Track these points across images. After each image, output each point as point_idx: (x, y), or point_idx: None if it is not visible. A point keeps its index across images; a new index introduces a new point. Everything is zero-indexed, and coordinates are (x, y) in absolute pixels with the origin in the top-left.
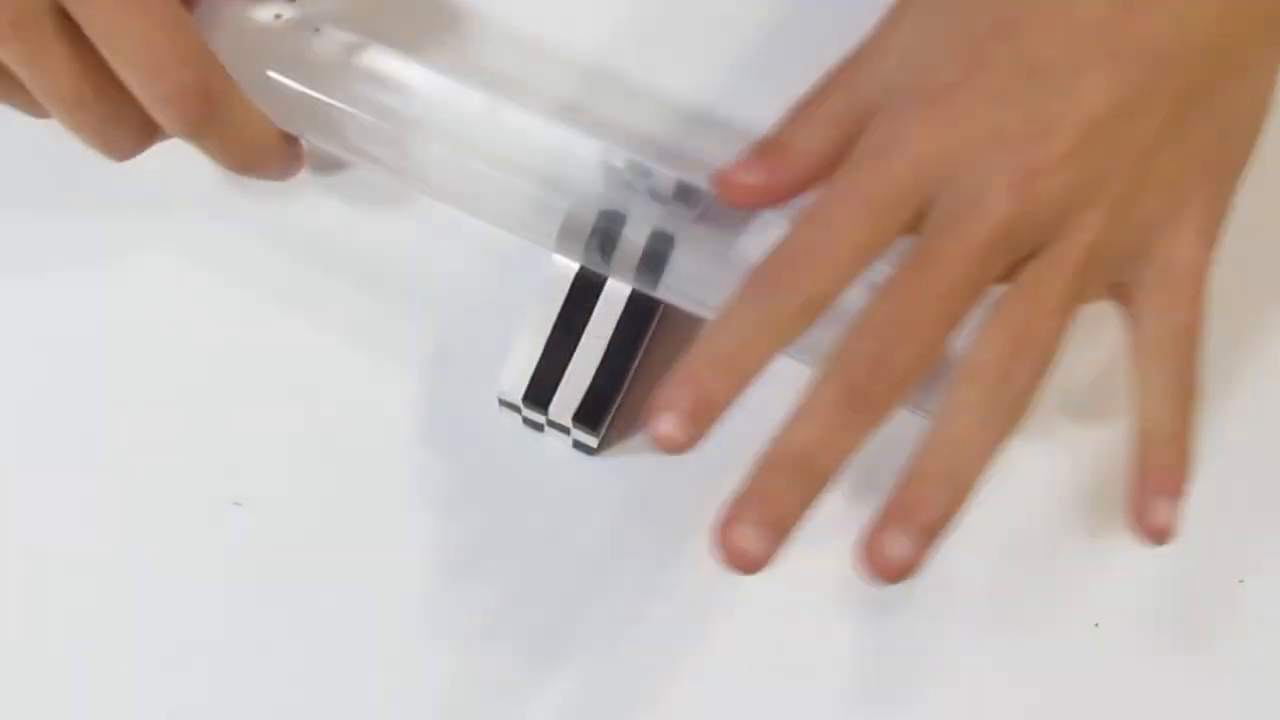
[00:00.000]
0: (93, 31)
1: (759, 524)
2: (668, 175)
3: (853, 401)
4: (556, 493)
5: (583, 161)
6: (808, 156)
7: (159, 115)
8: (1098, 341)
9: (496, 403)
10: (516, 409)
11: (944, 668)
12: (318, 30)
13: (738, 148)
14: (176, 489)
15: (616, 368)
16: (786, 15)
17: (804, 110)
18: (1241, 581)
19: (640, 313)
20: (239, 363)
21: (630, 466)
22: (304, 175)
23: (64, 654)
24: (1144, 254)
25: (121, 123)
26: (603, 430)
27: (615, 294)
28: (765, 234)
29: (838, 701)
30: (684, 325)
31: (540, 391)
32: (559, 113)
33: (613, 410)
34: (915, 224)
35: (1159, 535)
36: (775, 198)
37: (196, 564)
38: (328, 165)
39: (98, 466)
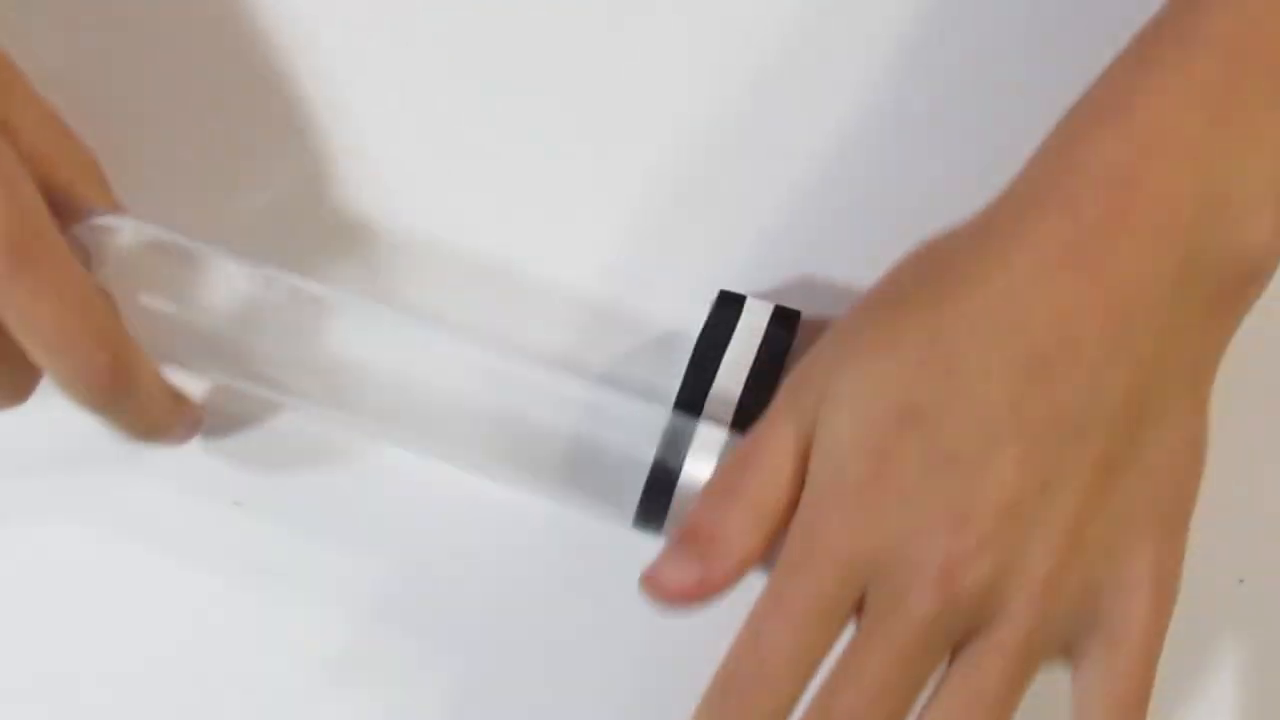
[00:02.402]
0: (7, 312)
1: None
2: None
3: None
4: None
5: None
6: (742, 546)
7: (67, 391)
8: None
9: None
10: None
11: (943, 667)
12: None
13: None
14: (176, 489)
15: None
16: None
17: (725, 493)
18: (1241, 581)
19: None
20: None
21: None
22: None
23: (64, 654)
24: (1090, 621)
25: (11, 382)
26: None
27: None
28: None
29: None
30: None
31: None
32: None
33: None
34: (857, 614)
35: None
36: (711, 594)
37: (196, 564)
38: None
39: (98, 466)
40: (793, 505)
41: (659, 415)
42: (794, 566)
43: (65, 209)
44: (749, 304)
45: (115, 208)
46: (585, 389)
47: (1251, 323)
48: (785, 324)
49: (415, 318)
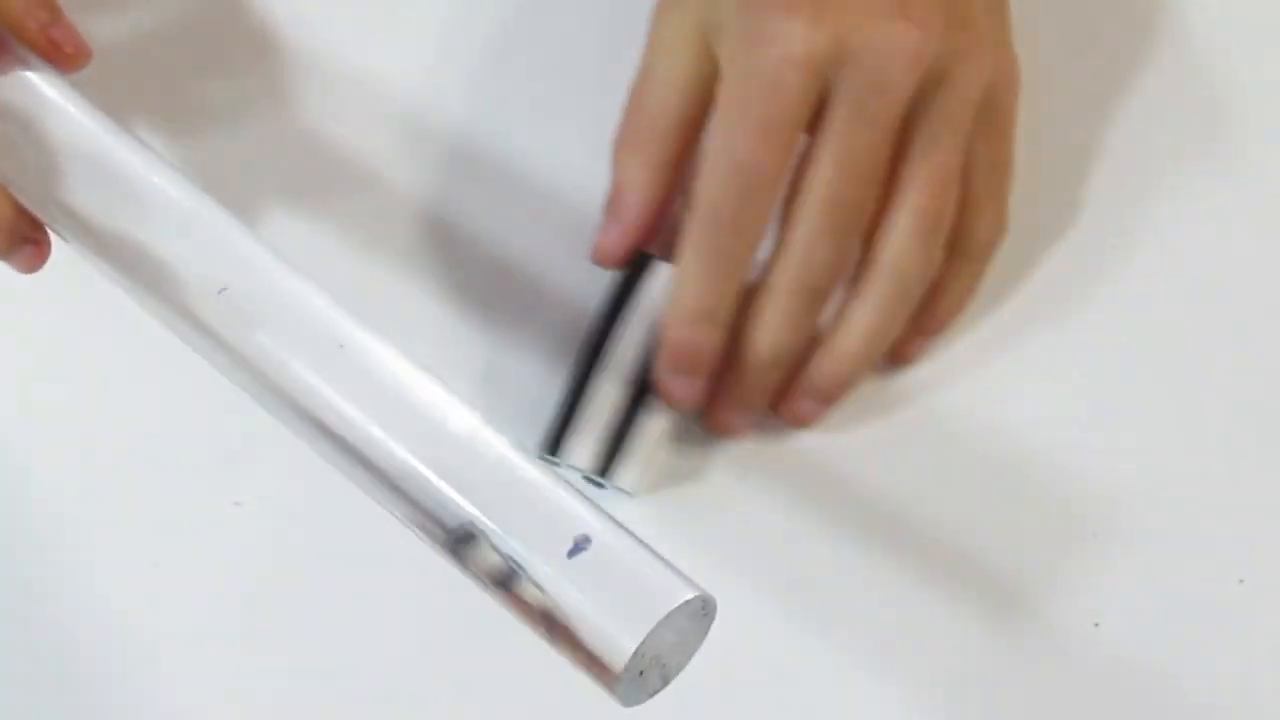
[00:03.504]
0: None
1: (737, 411)
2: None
3: (813, 300)
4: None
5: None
6: (643, 189)
7: None
8: (1101, 354)
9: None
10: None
11: (944, 667)
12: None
13: None
14: (176, 488)
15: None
16: None
17: (625, 134)
18: (1241, 581)
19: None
20: None
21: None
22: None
23: (64, 653)
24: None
25: None
26: (616, 471)
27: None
28: None
29: (839, 701)
30: None
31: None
32: None
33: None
34: (817, 114)
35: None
36: (642, 236)
37: (196, 563)
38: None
39: (97, 466)
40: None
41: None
42: (750, 78)
43: None
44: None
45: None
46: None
47: (1251, 323)
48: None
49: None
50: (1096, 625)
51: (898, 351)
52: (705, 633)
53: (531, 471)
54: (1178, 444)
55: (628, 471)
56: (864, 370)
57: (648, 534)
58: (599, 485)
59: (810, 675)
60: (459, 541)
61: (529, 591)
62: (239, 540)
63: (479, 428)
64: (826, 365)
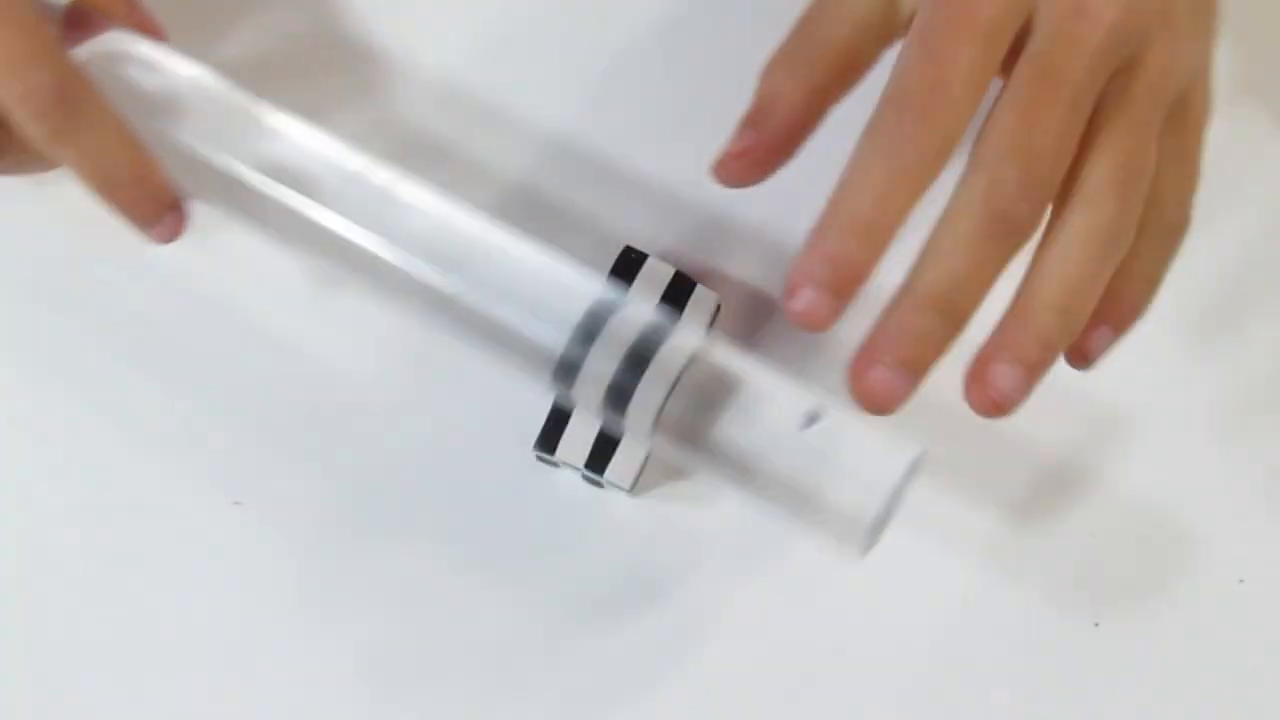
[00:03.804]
0: None
1: (898, 364)
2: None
3: (999, 230)
4: (558, 516)
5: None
6: (788, 97)
7: (17, 118)
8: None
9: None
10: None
11: (944, 667)
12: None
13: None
14: (176, 488)
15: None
16: None
17: (783, 63)
18: (1241, 581)
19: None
20: (243, 366)
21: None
22: None
23: (63, 653)
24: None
25: None
26: (609, 466)
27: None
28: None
29: (838, 699)
30: None
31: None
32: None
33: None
34: (1020, 40)
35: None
36: (771, 153)
37: (196, 563)
38: None
39: (97, 466)
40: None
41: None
42: None
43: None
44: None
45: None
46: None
47: (1251, 325)
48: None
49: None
50: (1096, 625)
51: (1080, 347)
52: (913, 484)
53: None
54: (1178, 443)
55: (624, 468)
56: (1067, 330)
57: (646, 532)
58: (596, 483)
59: (809, 674)
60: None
61: (777, 465)
62: (239, 540)
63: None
64: (1022, 319)
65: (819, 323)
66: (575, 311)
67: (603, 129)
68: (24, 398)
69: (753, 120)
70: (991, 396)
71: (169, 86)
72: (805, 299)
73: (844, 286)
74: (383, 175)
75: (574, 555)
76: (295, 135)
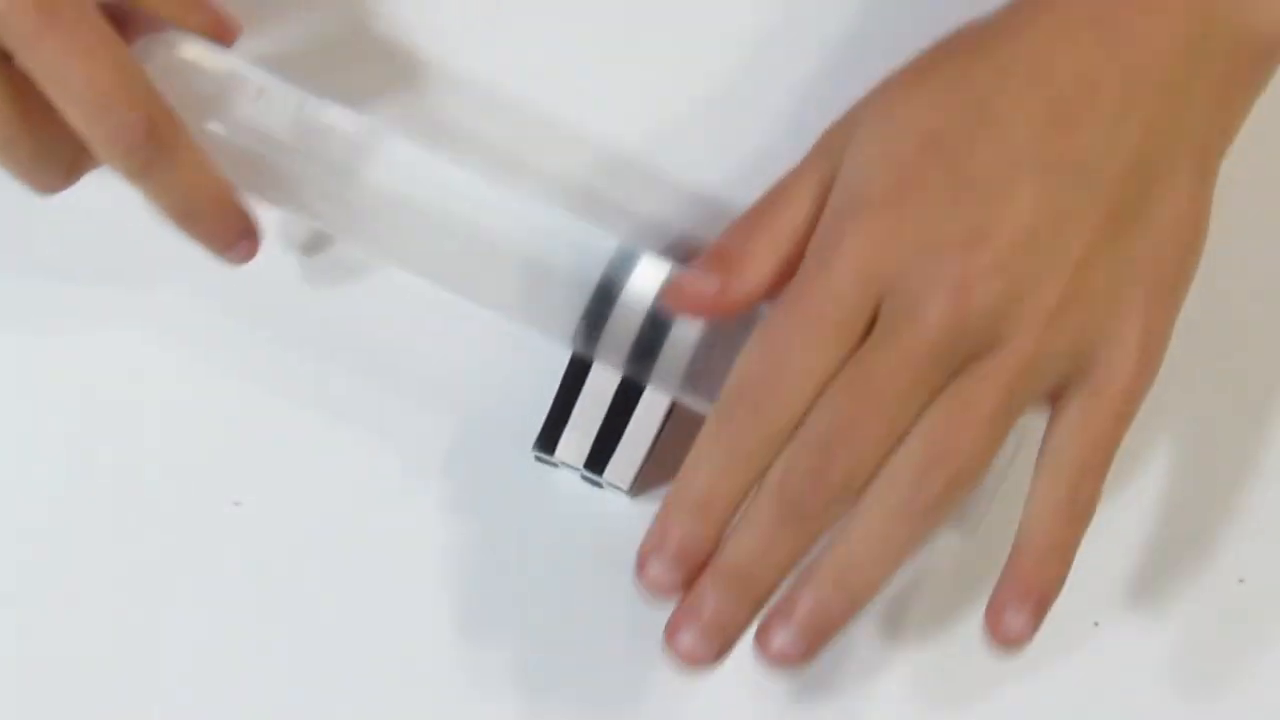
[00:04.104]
0: (40, 72)
1: (703, 633)
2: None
3: (792, 517)
4: (557, 517)
5: (572, 243)
6: (760, 268)
7: (103, 154)
8: None
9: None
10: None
11: (945, 667)
12: (261, 90)
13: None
14: (176, 488)
15: (620, 408)
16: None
17: (749, 224)
18: (1241, 581)
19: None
20: (243, 369)
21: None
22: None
23: (63, 653)
24: (1079, 367)
25: (52, 158)
26: (607, 466)
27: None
28: None
29: (840, 700)
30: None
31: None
32: (539, 186)
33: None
34: (869, 332)
35: (1011, 643)
36: (729, 309)
37: (195, 563)
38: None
39: (97, 466)
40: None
41: (609, 241)
42: (812, 278)
43: (144, 22)
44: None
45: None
46: (547, 213)
47: (1251, 324)
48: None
49: (413, 141)
50: (1096, 625)
51: (996, 624)
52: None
53: None
54: (1177, 443)
55: (624, 469)
56: (848, 604)
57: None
58: (595, 483)
59: (809, 674)
60: None
61: None
62: (239, 540)
63: None
64: (803, 590)
65: (664, 590)
66: (596, 266)
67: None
68: (22, 397)
69: (726, 274)
70: (771, 654)
71: (221, 86)
72: (652, 569)
73: (686, 560)
74: (409, 146)
75: (574, 555)
76: (338, 117)
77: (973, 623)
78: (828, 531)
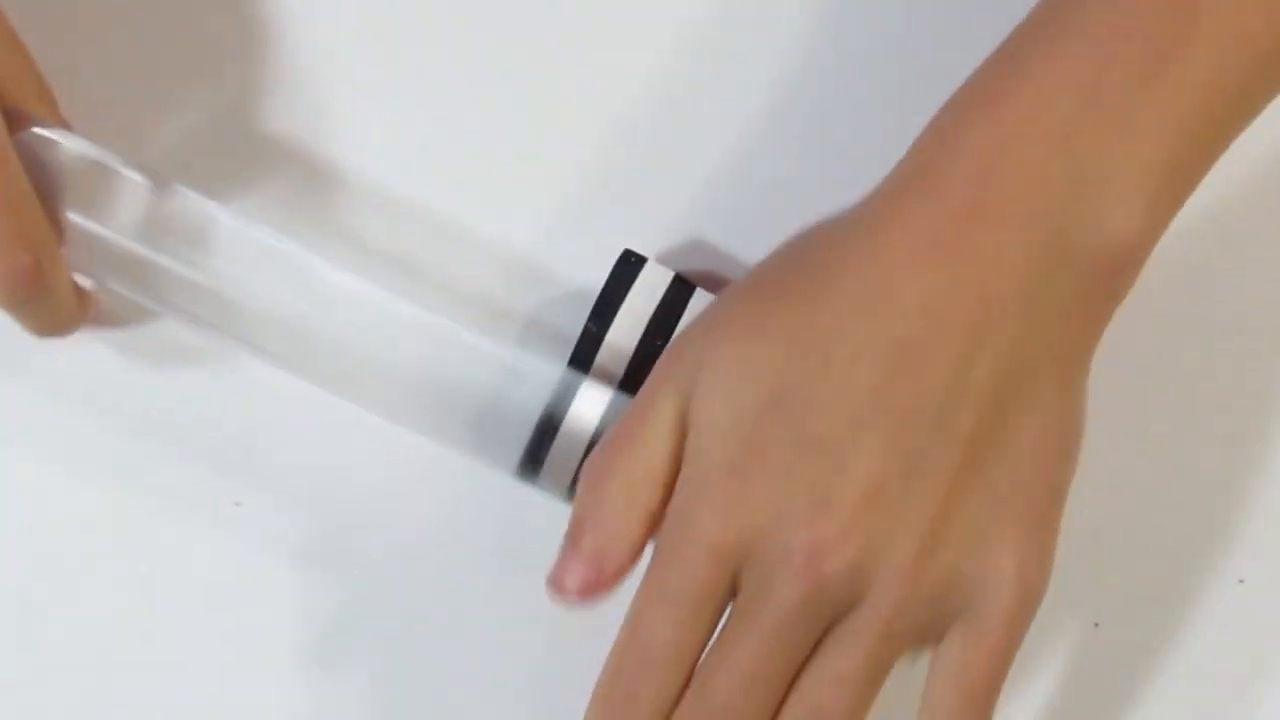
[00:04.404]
0: None
1: None
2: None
3: None
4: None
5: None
6: (622, 532)
7: None
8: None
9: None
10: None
11: None
12: (141, 184)
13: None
14: (176, 488)
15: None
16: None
17: (602, 477)
18: (1241, 581)
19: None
20: (243, 367)
21: None
22: None
23: (62, 653)
24: (955, 608)
25: None
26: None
27: None
28: None
29: None
30: None
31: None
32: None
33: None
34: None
35: None
36: (610, 582)
37: (196, 563)
38: None
39: (97, 466)
40: (673, 478)
41: (549, 370)
42: (669, 555)
43: (14, 120)
44: (650, 266)
45: (62, 124)
46: (481, 340)
47: (1250, 324)
48: (682, 293)
49: (314, 253)
50: (1096, 625)
51: None
52: None
53: None
54: (1178, 443)
55: None
56: None
57: None
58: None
59: None
60: None
61: None
62: (239, 540)
63: None
64: None
65: None
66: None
67: (607, 130)
68: (21, 397)
69: (583, 548)
70: None
71: (91, 176)
72: None
73: None
74: (308, 257)
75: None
76: (227, 222)
77: None
78: None
